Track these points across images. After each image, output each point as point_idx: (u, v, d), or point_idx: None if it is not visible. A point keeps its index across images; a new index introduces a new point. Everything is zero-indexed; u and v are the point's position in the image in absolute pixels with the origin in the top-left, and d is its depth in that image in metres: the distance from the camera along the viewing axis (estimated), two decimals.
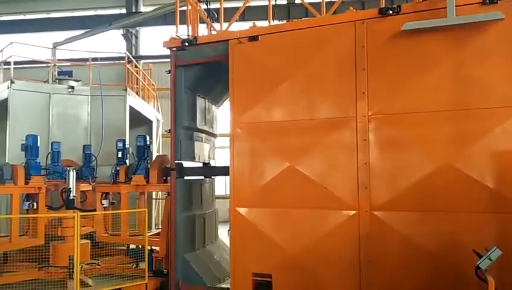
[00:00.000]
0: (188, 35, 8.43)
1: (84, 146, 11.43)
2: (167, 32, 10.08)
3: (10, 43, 12.85)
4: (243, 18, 10.27)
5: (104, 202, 10.11)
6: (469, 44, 6.44)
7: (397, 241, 6.65)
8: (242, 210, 7.70)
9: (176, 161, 8.59)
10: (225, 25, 8.45)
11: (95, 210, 10.03)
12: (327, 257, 7.00)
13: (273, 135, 7.60)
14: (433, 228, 6.48)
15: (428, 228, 6.50)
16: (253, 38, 7.83)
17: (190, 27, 8.58)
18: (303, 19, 7.95)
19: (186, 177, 8.76)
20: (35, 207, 9.41)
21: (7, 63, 12.93)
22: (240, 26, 8.38)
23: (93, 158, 11.31)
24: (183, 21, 8.68)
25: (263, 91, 7.69)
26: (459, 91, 6.48)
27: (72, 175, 9.80)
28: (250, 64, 7.84)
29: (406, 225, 6.63)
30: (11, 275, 8.74)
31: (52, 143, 10.55)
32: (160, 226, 13.31)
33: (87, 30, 15.20)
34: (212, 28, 9.03)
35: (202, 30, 8.88)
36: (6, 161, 10.35)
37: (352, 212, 6.91)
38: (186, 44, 8.31)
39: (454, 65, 6.54)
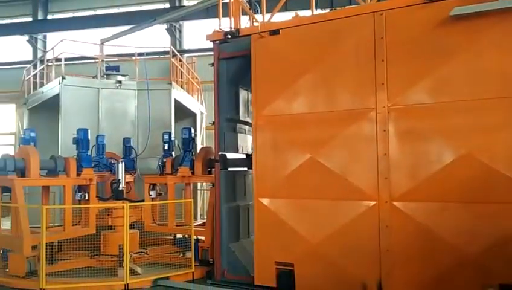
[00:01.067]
0: (231, 28, 8.47)
1: (124, 139, 11.65)
2: (210, 25, 10.21)
3: (61, 41, 13.30)
4: (285, 8, 10.20)
5: (151, 192, 10.39)
6: (490, 33, 6.34)
7: (416, 232, 6.67)
8: (265, 201, 7.90)
9: (220, 153, 8.71)
10: (267, 16, 8.48)
11: (142, 201, 10.35)
12: (347, 246, 7.12)
13: (294, 127, 7.75)
14: (453, 219, 6.47)
15: (447, 218, 6.50)
16: (274, 32, 7.98)
17: (232, 19, 8.59)
18: (346, 7, 7.88)
19: (229, 169, 8.87)
20: (86, 198, 9.78)
21: (58, 60, 13.39)
22: (282, 17, 8.39)
23: (133, 151, 11.50)
24: (225, 14, 8.74)
25: (284, 84, 7.84)
26: (480, 81, 6.40)
27: (121, 167, 10.14)
28: (272, 58, 7.99)
29: (426, 216, 6.65)
30: (65, 263, 9.12)
31: (97, 136, 10.86)
32: (205, 217, 13.58)
33: (132, 26, 15.52)
34: (254, 20, 9.06)
35: (245, 22, 8.89)
36: (59, 154, 10.74)
37: (372, 203, 6.98)
38: (229, 36, 8.36)
39: (474, 55, 6.44)
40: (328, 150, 7.40)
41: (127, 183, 10.72)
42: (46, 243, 7.80)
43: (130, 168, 11.25)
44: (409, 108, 6.86)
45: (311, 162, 7.50)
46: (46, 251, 7.72)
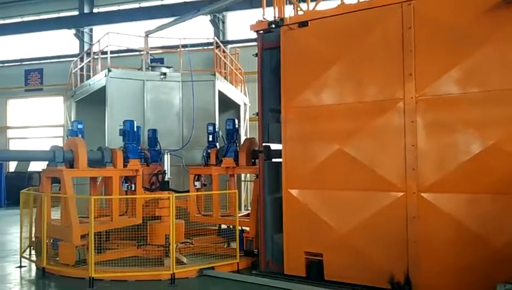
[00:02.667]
0: (275, 17, 8.36)
1: (148, 130, 11.67)
2: (254, 15, 10.10)
3: (106, 34, 13.52)
4: None
5: (196, 183, 10.44)
6: None
7: (444, 223, 6.69)
8: (294, 191, 8.03)
9: (264, 144, 8.67)
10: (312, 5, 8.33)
11: (187, 191, 10.42)
12: (375, 237, 7.16)
13: (323, 118, 7.84)
14: (481, 210, 6.46)
15: (476, 209, 6.50)
16: (303, 24, 8.02)
17: (277, 9, 8.50)
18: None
19: (273, 160, 8.79)
20: (133, 188, 9.93)
21: (104, 53, 13.63)
22: (327, 5, 8.21)
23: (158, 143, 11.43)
24: (269, 3, 8.63)
25: (313, 76, 7.92)
26: (510, 70, 6.30)
27: (167, 158, 10.22)
28: (301, 49, 8.07)
29: (453, 207, 6.65)
30: (113, 252, 9.31)
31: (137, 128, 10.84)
32: (249, 208, 13.57)
33: (176, 17, 15.61)
34: (298, 9, 8.89)
35: (289, 11, 8.73)
36: (106, 145, 10.94)
37: (400, 194, 7.00)
38: (273, 26, 8.28)
39: (506, 44, 6.34)
40: (356, 141, 7.47)
41: (154, 174, 10.78)
42: (95, 233, 7.95)
43: (157, 159, 11.19)
44: (438, 99, 6.83)
45: (339, 153, 7.58)
46: (95, 241, 7.87)
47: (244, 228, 9.36)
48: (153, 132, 11.31)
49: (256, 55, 8.77)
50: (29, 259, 9.44)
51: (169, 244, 8.25)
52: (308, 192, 7.88)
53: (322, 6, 8.29)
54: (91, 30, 26.23)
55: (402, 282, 6.90)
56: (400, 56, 7.06)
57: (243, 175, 14.05)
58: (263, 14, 8.64)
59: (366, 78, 7.44)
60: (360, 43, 7.49)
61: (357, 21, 7.50)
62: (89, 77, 14.54)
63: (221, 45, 15.69)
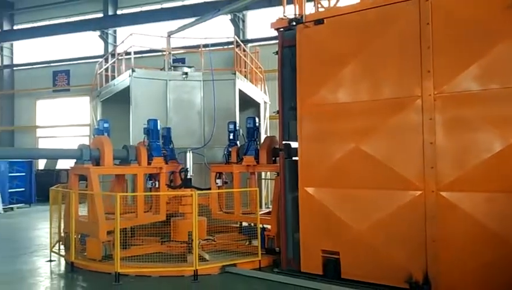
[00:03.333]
0: (295, 15, 8.40)
1: (163, 128, 11.61)
2: (273, 13, 10.19)
3: (130, 35, 13.78)
4: None
5: (218, 181, 10.59)
6: None
7: (463, 222, 6.59)
8: (310, 190, 7.99)
9: (284, 142, 8.72)
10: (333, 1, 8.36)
11: (209, 189, 10.59)
12: (393, 236, 7.12)
13: (339, 116, 7.78)
14: (501, 209, 6.35)
15: (495, 208, 6.39)
16: (319, 21, 7.99)
17: (297, 6, 8.48)
18: None
19: (294, 158, 8.86)
20: (157, 186, 10.16)
21: (128, 53, 13.90)
22: (347, 2, 8.25)
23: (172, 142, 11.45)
24: (290, 1, 8.65)
25: (329, 73, 7.88)
26: None
27: (189, 156, 10.42)
28: (316, 47, 8.03)
29: (473, 206, 6.54)
30: (138, 248, 9.56)
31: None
32: (269, 206, 13.68)
33: (197, 17, 15.80)
34: (319, 5, 8.93)
35: (309, 8, 8.76)
36: (130, 143, 11.18)
37: (418, 192, 6.92)
38: (293, 23, 8.29)
39: None
40: (373, 139, 7.41)
41: (172, 172, 10.91)
42: (120, 229, 8.13)
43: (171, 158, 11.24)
44: (456, 96, 6.73)
45: (356, 152, 7.53)
46: (120, 237, 8.06)
47: (265, 226, 9.47)
48: (168, 131, 11.46)
49: (277, 53, 8.81)
50: (59, 254, 9.75)
51: (192, 240, 8.42)
52: (325, 190, 7.87)
53: (342, 3, 8.31)
54: (115, 31, 26.63)
55: (420, 281, 6.84)
56: (418, 53, 6.99)
57: (263, 173, 14.15)
58: (283, 12, 8.68)
59: (383, 76, 7.38)
60: (376, 40, 7.43)
61: (374, 18, 7.44)
62: (113, 78, 14.83)
63: (242, 43, 15.81)
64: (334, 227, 7.67)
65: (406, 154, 7.10)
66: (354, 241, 7.47)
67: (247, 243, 9.88)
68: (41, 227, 14.15)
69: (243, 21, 23.34)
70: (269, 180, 15.11)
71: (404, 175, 7.07)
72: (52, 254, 9.76)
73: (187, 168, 10.46)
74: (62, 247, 9.93)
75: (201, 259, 8.55)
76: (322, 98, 7.97)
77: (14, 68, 29.63)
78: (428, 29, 6.91)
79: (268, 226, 9.36)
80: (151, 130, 10.23)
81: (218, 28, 21.72)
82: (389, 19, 7.31)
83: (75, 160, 9.45)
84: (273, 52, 9.05)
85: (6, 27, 29.13)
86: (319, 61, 8.00)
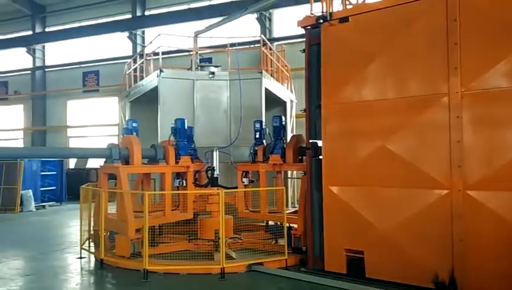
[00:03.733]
0: (322, 12, 8.34)
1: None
2: (300, 12, 10.14)
3: (158, 35, 13.94)
4: None
5: (244, 180, 10.62)
6: None
7: (491, 221, 6.46)
8: (334, 188, 7.96)
9: (311, 141, 8.68)
10: None
11: (235, 188, 10.63)
12: (419, 235, 7.03)
13: (364, 114, 7.70)
14: None
15: None
16: (344, 19, 7.93)
17: (324, 4, 8.42)
18: None
19: (321, 157, 8.81)
20: (184, 184, 10.26)
21: (156, 54, 14.06)
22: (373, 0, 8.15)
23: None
24: None
25: (354, 71, 7.82)
26: None
27: (216, 155, 10.47)
28: (342, 45, 7.98)
29: (501, 205, 6.40)
30: (165, 246, 9.67)
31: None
32: (295, 205, 13.64)
33: (224, 17, 15.87)
34: (347, 2, 8.85)
35: (337, 5, 8.70)
36: (158, 142, 11.30)
37: (445, 191, 6.80)
38: (321, 21, 8.23)
39: None
40: (398, 138, 7.32)
41: (197, 171, 10.90)
42: (148, 227, 8.24)
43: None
44: (485, 93, 6.59)
45: (381, 150, 7.46)
46: (148, 234, 8.16)
47: (291, 225, 9.44)
48: (190, 130, 11.44)
49: (304, 51, 8.77)
50: (88, 251, 9.96)
51: (218, 239, 8.48)
52: (349, 189, 7.82)
53: (368, 0, 8.22)
54: (143, 32, 26.98)
55: (447, 282, 6.74)
56: (445, 49, 6.87)
57: (289, 172, 14.12)
58: (310, 10, 8.64)
59: (409, 73, 7.30)
60: (402, 37, 7.35)
61: (400, 14, 7.36)
62: (141, 78, 15.01)
63: (268, 42, 15.79)
64: (358, 226, 7.63)
65: (433, 153, 7.01)
66: (379, 241, 7.41)
67: (274, 242, 9.88)
68: (72, 225, 14.49)
69: (269, 20, 23.33)
70: (295, 179, 15.07)
71: (430, 174, 6.98)
72: (82, 251, 9.97)
73: (213, 167, 10.52)
74: (92, 244, 10.14)
75: (228, 257, 8.59)
76: (347, 96, 7.93)
77: (46, 69, 30.32)
78: (456, 25, 6.79)
79: (295, 225, 9.33)
80: (178, 129, 10.31)
81: (244, 27, 21.78)
82: (416, 15, 7.22)
83: (104, 159, 9.61)
84: (300, 50, 9.01)
85: (38, 29, 29.85)
86: (344, 60, 7.95)
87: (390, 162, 7.36)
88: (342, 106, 7.97)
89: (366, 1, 8.25)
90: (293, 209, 11.05)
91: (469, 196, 6.63)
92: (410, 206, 7.15)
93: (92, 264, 9.36)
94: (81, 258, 9.77)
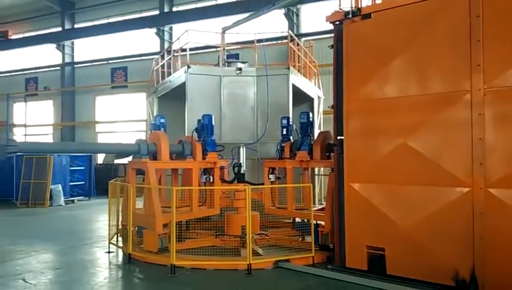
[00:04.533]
0: (351, 7, 8.26)
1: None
2: (328, 7, 10.02)
3: (185, 31, 13.99)
4: None
5: (271, 176, 10.60)
6: None
7: None
8: (356, 185, 7.97)
9: (339, 137, 8.57)
10: None
11: (262, 184, 10.60)
12: (439, 233, 7.01)
13: (386, 111, 7.71)
14: None
15: None
16: (366, 16, 7.92)
17: None
18: None
19: None
20: (211, 180, 10.28)
21: (183, 50, 14.12)
22: None
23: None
24: None
25: (376, 68, 7.81)
26: None
27: (243, 151, 10.45)
28: (364, 42, 7.99)
29: None
30: (192, 241, 9.70)
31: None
32: (322, 202, 13.55)
33: (251, 12, 15.81)
34: None
35: (366, 0, 8.57)
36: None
37: (466, 189, 6.76)
38: (350, 16, 8.17)
39: None
40: (420, 135, 7.30)
41: (222, 167, 10.89)
42: (176, 222, 8.27)
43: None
44: (507, 90, 6.52)
45: (403, 147, 7.45)
46: (176, 230, 8.19)
47: (319, 222, 9.38)
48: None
49: (332, 47, 8.68)
50: (117, 245, 10.07)
51: (245, 235, 8.47)
52: (370, 186, 7.84)
53: None
54: (171, 28, 27.11)
55: (467, 280, 6.71)
56: (467, 46, 6.83)
57: (316, 169, 14.02)
58: (339, 5, 8.55)
59: (431, 70, 7.27)
60: (424, 34, 7.32)
61: (422, 11, 7.33)
62: (169, 74, 15.10)
63: (295, 38, 15.67)
64: (379, 223, 7.65)
65: (454, 151, 6.98)
66: (400, 238, 7.42)
67: (300, 239, 9.82)
68: (101, 219, 14.71)
69: (297, 15, 23.18)
70: (322, 176, 14.97)
71: (452, 171, 6.95)
72: (111, 245, 10.10)
73: (240, 163, 10.51)
74: (120, 239, 10.26)
75: (255, 253, 8.58)
76: (369, 93, 7.93)
77: (75, 66, 30.83)
78: (479, 22, 6.74)
79: (322, 223, 9.27)
80: (205, 125, 10.31)
81: (271, 23, 21.67)
82: (438, 12, 7.18)
83: (133, 155, 9.70)
84: (328, 46, 8.91)
85: (67, 26, 30.35)
86: (366, 57, 7.96)
87: (411, 159, 7.36)
88: (363, 103, 7.99)
89: None
90: (320, 206, 10.97)
91: (490, 194, 6.60)
92: (431, 203, 7.14)
93: (120, 259, 9.46)
94: (109, 252, 9.90)
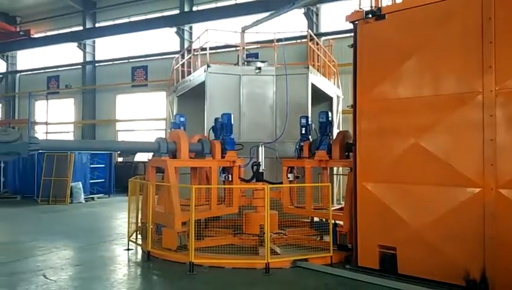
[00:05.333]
0: (371, 7, 8.21)
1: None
2: (348, 6, 9.97)
3: (205, 31, 14.05)
4: None
5: (289, 175, 10.58)
6: None
7: None
8: (368, 185, 8.03)
9: None
10: None
11: (281, 183, 10.60)
12: (450, 233, 7.05)
13: (398, 111, 7.77)
14: None
15: None
16: (380, 17, 7.96)
17: None
18: None
19: None
20: (230, 179, 10.31)
21: (203, 49, 14.19)
22: None
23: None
24: None
25: (389, 69, 7.87)
26: None
27: (261, 150, 10.45)
28: (377, 42, 8.05)
29: None
30: (211, 239, 9.73)
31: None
32: (340, 202, 13.48)
33: (271, 12, 15.80)
34: None
35: (386, 0, 8.52)
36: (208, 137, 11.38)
37: (477, 189, 6.79)
38: (370, 16, 8.15)
39: None
40: (432, 135, 7.34)
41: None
42: (195, 220, 8.32)
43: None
44: None
45: (415, 147, 7.49)
46: (194, 228, 8.24)
47: (337, 222, 9.34)
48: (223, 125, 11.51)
49: (352, 46, 8.65)
50: (136, 243, 10.17)
51: (263, 234, 8.47)
52: (383, 186, 7.89)
53: None
54: (191, 28, 27.24)
55: (478, 280, 6.74)
56: (479, 48, 6.86)
57: (335, 168, 13.95)
58: (359, 4, 8.51)
59: (444, 71, 7.31)
60: (437, 35, 7.35)
61: (435, 12, 7.37)
62: (189, 73, 15.19)
63: (315, 37, 15.61)
64: (391, 223, 7.70)
65: (466, 151, 7.02)
66: (411, 238, 7.47)
67: (319, 238, 9.79)
68: (120, 217, 14.85)
69: (317, 14, 23.11)
70: (341, 176, 14.88)
71: (463, 172, 6.98)
72: (130, 243, 10.19)
73: (259, 162, 10.51)
74: (139, 236, 10.36)
75: (273, 252, 8.57)
76: (382, 93, 7.98)
77: (96, 64, 31.22)
78: (491, 23, 6.76)
79: (341, 222, 9.22)
80: (225, 124, 10.33)
81: (291, 22, 21.64)
82: (451, 13, 7.22)
83: (152, 153, 9.77)
84: (348, 46, 8.86)
85: (88, 25, 30.76)
86: (379, 57, 8.02)
87: (423, 159, 7.40)
88: (376, 103, 8.05)
89: None
90: (338, 206, 10.92)
91: (501, 195, 6.62)
92: (443, 204, 7.18)
93: (139, 256, 9.55)
94: (128, 249, 9.99)
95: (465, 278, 6.85)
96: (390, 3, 8.54)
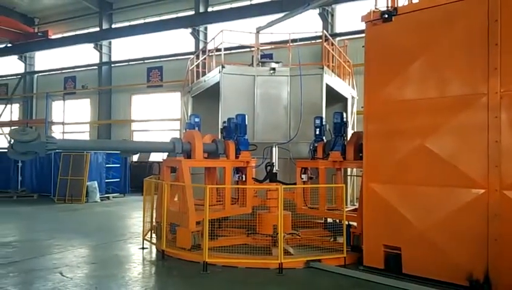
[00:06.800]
0: (388, 7, 8.18)
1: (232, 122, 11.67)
2: (363, 6, 9.92)
3: (220, 31, 14.11)
4: None
5: (303, 176, 10.57)
6: None
7: None
8: (374, 186, 8.11)
9: None
10: None
11: (294, 184, 10.60)
12: (454, 234, 7.11)
13: (405, 113, 7.82)
14: None
15: None
16: (387, 19, 8.00)
17: None
18: None
19: None
20: (243, 179, 10.34)
21: (218, 50, 14.25)
22: None
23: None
24: None
25: (396, 71, 7.93)
26: None
27: (275, 151, 10.47)
28: (384, 44, 8.11)
29: None
30: (225, 239, 9.77)
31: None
32: (354, 203, 13.42)
33: (286, 12, 15.81)
34: None
35: (402, 0, 8.47)
36: (219, 138, 11.46)
37: (482, 191, 6.82)
38: (385, 16, 8.13)
39: None
40: (438, 137, 7.38)
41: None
42: (209, 220, 8.35)
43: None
44: None
45: (420, 149, 7.54)
46: (208, 227, 8.27)
47: (351, 222, 9.32)
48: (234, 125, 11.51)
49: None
50: (150, 242, 10.24)
51: (277, 234, 8.49)
52: (389, 186, 7.95)
53: None
54: (206, 28, 27.31)
55: (481, 280, 6.78)
56: (485, 50, 6.88)
57: (349, 169, 13.89)
58: (375, 4, 8.49)
59: (449, 73, 7.33)
60: (443, 37, 7.38)
61: (441, 15, 7.40)
62: (204, 73, 15.25)
63: (330, 37, 15.58)
64: (396, 223, 7.77)
65: (470, 153, 7.05)
66: (416, 238, 7.53)
67: (332, 239, 9.76)
68: (135, 216, 14.99)
69: (332, 15, 23.03)
70: (355, 177, 14.82)
71: (467, 173, 7.02)
72: (145, 241, 10.28)
73: (273, 163, 10.52)
74: (154, 235, 10.43)
75: (286, 253, 8.58)
76: (389, 95, 8.03)
77: (112, 65, 31.48)
78: (497, 26, 6.78)
79: (354, 223, 9.20)
80: (239, 124, 10.38)
81: (306, 23, 21.60)
82: (457, 15, 7.25)
83: (167, 153, 9.84)
84: (362, 46, 8.82)
85: (105, 26, 31.04)
86: (387, 59, 8.07)
87: (428, 161, 7.45)
88: (382, 104, 8.11)
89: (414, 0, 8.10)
90: (352, 207, 10.88)
91: (506, 196, 6.67)
92: (447, 204, 7.25)
93: (154, 255, 9.62)
94: (143, 248, 10.07)
95: (469, 279, 6.91)
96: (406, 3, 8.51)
